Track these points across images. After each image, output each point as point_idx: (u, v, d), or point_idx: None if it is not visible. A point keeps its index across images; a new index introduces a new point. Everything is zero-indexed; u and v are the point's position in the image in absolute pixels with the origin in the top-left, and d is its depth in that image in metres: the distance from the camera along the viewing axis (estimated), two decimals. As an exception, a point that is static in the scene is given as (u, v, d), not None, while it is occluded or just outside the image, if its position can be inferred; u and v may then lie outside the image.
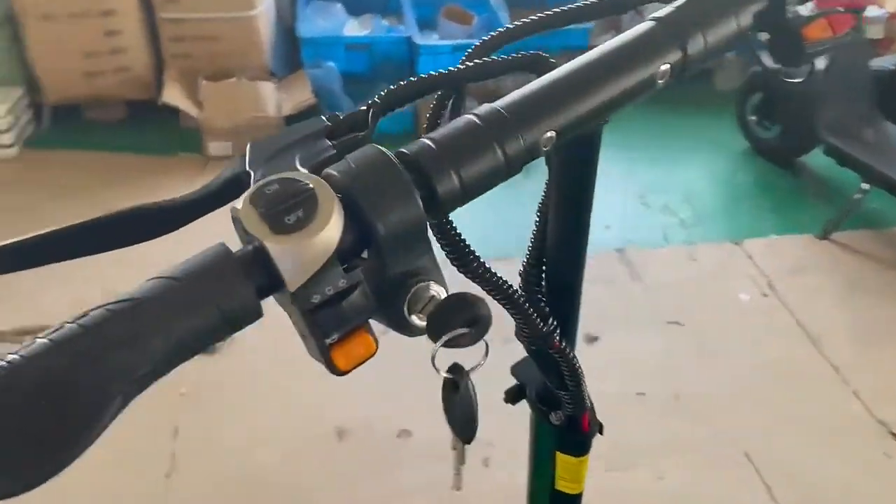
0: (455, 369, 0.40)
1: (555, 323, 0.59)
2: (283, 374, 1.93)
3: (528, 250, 0.58)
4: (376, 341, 0.38)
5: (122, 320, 0.32)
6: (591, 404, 0.67)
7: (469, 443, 0.38)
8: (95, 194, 2.61)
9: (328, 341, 0.37)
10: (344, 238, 0.36)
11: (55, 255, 0.40)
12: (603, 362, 2.01)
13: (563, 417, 0.66)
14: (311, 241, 0.34)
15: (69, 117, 2.96)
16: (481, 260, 0.53)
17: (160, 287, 0.34)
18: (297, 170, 0.40)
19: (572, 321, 0.62)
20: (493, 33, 0.51)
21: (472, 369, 0.40)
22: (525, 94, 0.43)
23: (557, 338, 0.59)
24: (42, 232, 0.39)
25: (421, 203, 0.37)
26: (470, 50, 0.50)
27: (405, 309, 0.38)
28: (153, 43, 2.93)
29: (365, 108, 0.46)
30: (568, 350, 0.60)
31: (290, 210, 0.34)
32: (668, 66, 0.46)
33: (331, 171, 0.38)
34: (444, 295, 0.38)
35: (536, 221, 0.58)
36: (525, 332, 0.58)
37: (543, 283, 0.60)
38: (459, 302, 0.37)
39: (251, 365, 1.99)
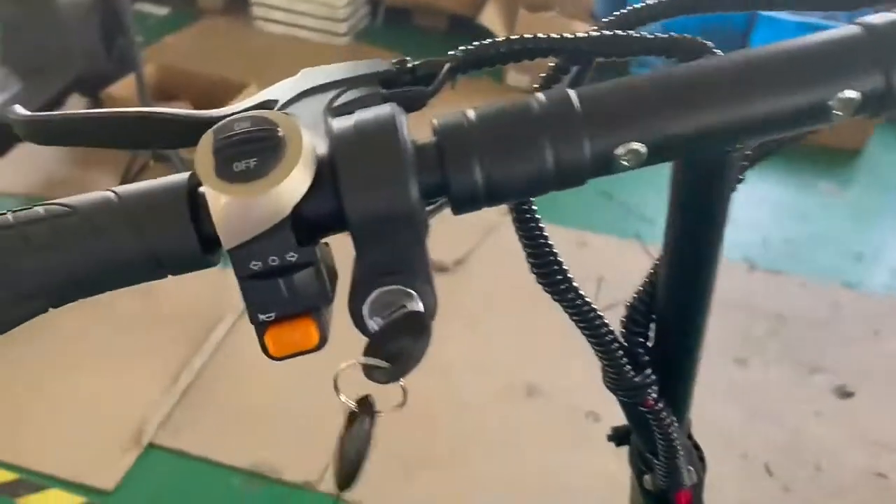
0: (363, 403, 0.33)
1: (652, 377, 0.48)
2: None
3: (645, 278, 0.48)
4: (322, 334, 0.32)
5: (48, 225, 0.31)
6: (699, 481, 0.55)
7: (343, 491, 0.31)
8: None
9: (262, 317, 0.31)
10: (307, 205, 0.30)
11: (96, 139, 0.40)
12: (862, 422, 1.72)
13: (655, 485, 0.56)
14: (255, 197, 0.29)
15: (399, 19, 3.15)
16: (567, 274, 0.45)
17: (99, 202, 0.31)
18: (314, 123, 0.35)
19: (682, 381, 0.50)
20: (642, 4, 0.40)
21: (379, 412, 0.33)
22: (617, 86, 0.33)
23: (653, 395, 0.49)
24: (91, 111, 0.39)
25: (415, 191, 0.30)
26: (607, 19, 0.40)
27: (364, 308, 0.32)
28: (489, -38, 2.97)
29: (444, 59, 0.39)
30: (665, 414, 0.49)
31: (243, 156, 0.29)
32: (856, 94, 0.32)
33: (335, 123, 0.32)
34: (418, 308, 0.31)
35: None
36: (611, 377, 0.49)
37: (651, 329, 0.49)
38: (410, 325, 0.30)
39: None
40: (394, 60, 0.39)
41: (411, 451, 1.65)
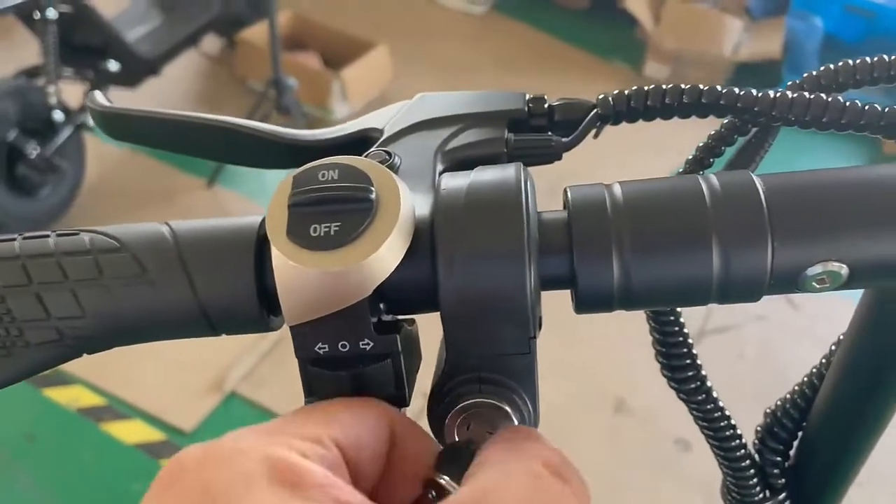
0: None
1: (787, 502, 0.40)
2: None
3: (792, 390, 0.39)
4: None
5: (90, 260, 0.25)
6: None
7: None
8: (519, 74, 2.68)
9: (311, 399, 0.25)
10: (395, 282, 0.24)
11: (175, 144, 0.35)
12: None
13: None
14: (332, 271, 0.23)
15: (541, -7, 3.03)
16: (701, 372, 0.37)
17: (151, 239, 0.26)
18: (419, 167, 0.28)
19: None
20: (852, 62, 0.30)
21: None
22: (818, 180, 0.25)
23: None
24: (176, 113, 0.34)
25: (534, 279, 0.24)
26: (807, 75, 0.31)
27: (446, 417, 0.25)
28: (644, -57, 2.80)
29: (589, 103, 0.31)
30: None
31: (324, 217, 0.23)
32: None
33: (445, 180, 0.25)
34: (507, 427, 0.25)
35: (823, 357, 0.38)
36: (733, 495, 0.41)
37: (794, 448, 0.40)
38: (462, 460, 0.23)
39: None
40: (529, 97, 0.32)
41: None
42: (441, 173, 0.27)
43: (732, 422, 0.37)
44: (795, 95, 0.29)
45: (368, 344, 0.24)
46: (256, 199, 2.17)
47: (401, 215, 0.23)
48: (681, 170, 0.35)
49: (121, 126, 0.34)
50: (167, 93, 2.45)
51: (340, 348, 0.24)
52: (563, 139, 0.31)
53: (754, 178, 0.25)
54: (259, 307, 0.25)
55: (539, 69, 2.72)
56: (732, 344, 1.79)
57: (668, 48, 2.61)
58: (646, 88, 0.30)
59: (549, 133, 0.31)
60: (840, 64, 0.30)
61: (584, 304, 0.25)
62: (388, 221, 0.23)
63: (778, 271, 0.24)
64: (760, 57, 2.57)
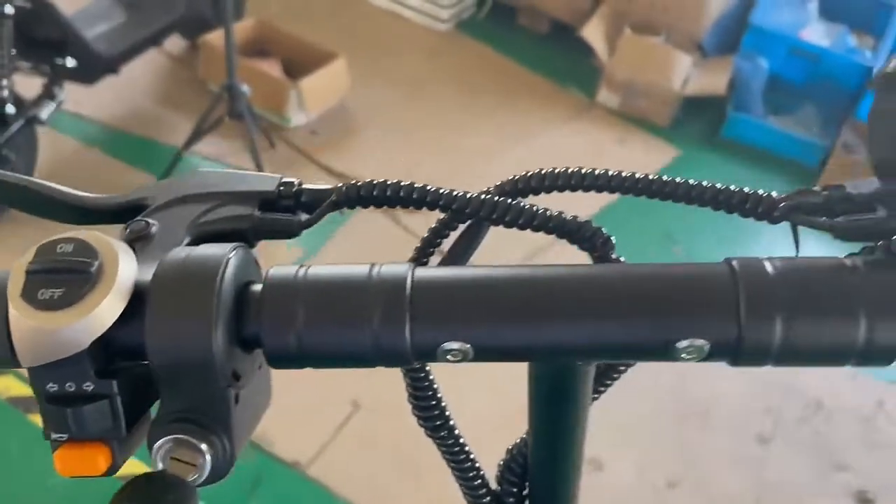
0: None
1: None
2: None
3: (518, 439, 0.45)
4: (114, 462, 0.31)
5: None
6: None
7: None
8: (477, 93, 2.75)
9: (55, 436, 0.31)
10: (111, 337, 0.29)
11: None
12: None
13: None
14: (52, 327, 0.28)
15: (504, 15, 3.10)
16: (446, 412, 0.42)
17: None
18: (171, 236, 0.34)
19: None
20: (549, 171, 0.37)
21: None
22: (458, 277, 0.31)
23: None
24: None
25: (221, 340, 0.29)
26: (510, 179, 0.37)
27: (157, 451, 0.30)
28: (604, -26, 2.89)
29: (329, 189, 0.37)
30: None
31: (51, 284, 0.29)
32: (704, 343, 0.29)
33: (171, 254, 0.31)
34: (201, 465, 0.30)
35: None
36: None
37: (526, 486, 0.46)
38: (159, 488, 0.28)
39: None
40: (282, 180, 0.38)
41: None
42: (188, 244, 0.33)
43: (473, 457, 0.43)
44: (485, 198, 0.35)
45: (90, 385, 0.30)
46: (206, 200, 2.21)
47: (116, 284, 0.29)
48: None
49: None
50: (128, 90, 2.48)
51: (68, 388, 0.30)
52: (302, 219, 0.36)
53: (409, 270, 0.30)
54: (9, 349, 0.30)
55: (496, 91, 2.80)
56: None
57: (620, 78, 2.69)
58: (376, 182, 0.36)
59: (297, 212, 0.37)
60: (532, 173, 0.37)
61: (275, 360, 0.31)
62: (104, 289, 0.29)
63: (415, 346, 0.30)
64: (708, 92, 2.67)
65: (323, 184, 0.37)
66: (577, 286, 0.30)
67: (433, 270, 0.31)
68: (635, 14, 2.82)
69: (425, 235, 0.40)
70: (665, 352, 0.29)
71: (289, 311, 0.30)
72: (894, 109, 0.29)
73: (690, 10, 2.74)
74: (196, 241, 0.35)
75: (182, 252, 0.31)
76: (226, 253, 0.30)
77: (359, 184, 0.36)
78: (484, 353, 0.30)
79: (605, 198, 2.41)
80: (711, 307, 0.29)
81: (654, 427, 1.81)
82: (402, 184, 0.36)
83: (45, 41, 2.03)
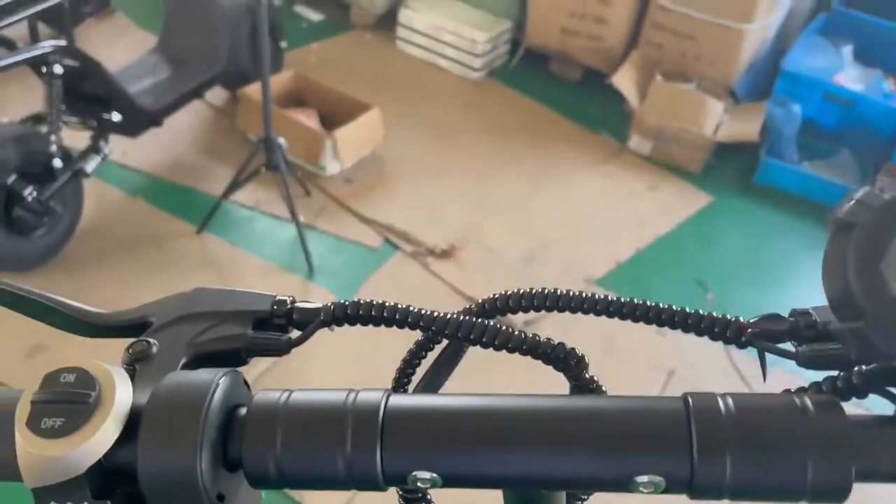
0: None
1: None
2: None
3: None
4: None
5: None
6: None
7: None
8: (508, 139, 2.79)
9: None
10: (108, 460, 0.32)
11: (8, 305, 0.43)
12: None
13: None
14: (54, 455, 0.31)
15: (536, 62, 3.15)
16: None
17: None
18: (170, 356, 0.36)
19: None
20: (526, 291, 0.39)
21: None
22: (426, 407, 0.33)
23: None
24: (12, 286, 0.43)
25: (207, 464, 0.31)
26: (495, 295, 0.39)
27: None
28: (635, 22, 2.93)
29: (319, 309, 0.39)
30: None
31: (53, 413, 0.31)
32: (658, 479, 0.30)
33: (166, 378, 0.33)
34: None
35: None
36: None
37: None
38: None
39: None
40: (276, 299, 0.40)
41: None
42: (185, 364, 0.36)
43: None
44: (462, 319, 0.37)
45: None
46: (243, 246, 2.27)
47: (112, 413, 0.32)
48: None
49: None
50: (171, 140, 2.58)
51: None
52: (293, 337, 0.39)
53: (382, 398, 0.32)
54: (16, 471, 0.33)
55: (527, 136, 2.83)
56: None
57: (651, 124, 2.71)
58: (362, 301, 0.38)
59: (290, 328, 0.39)
60: (501, 294, 0.39)
61: (253, 483, 0.33)
62: (101, 418, 0.31)
63: (387, 473, 0.32)
64: (740, 138, 2.67)
65: (314, 303, 0.40)
66: (541, 420, 0.32)
67: (406, 398, 0.33)
68: (667, 61, 2.84)
69: (404, 357, 0.42)
70: (625, 485, 0.31)
71: (268, 435, 0.32)
72: (842, 254, 0.30)
73: (722, 56, 2.76)
74: (193, 361, 0.37)
75: (175, 378, 0.33)
76: (214, 379, 0.33)
77: (345, 303, 0.39)
78: (453, 481, 0.32)
79: (638, 244, 2.42)
80: (667, 445, 0.30)
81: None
82: (384, 304, 0.38)
83: (91, 97, 2.13)
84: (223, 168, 2.46)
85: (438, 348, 0.42)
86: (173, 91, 2.34)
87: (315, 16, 3.44)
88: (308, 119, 2.58)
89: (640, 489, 0.31)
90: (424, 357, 0.42)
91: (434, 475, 0.32)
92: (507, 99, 3.04)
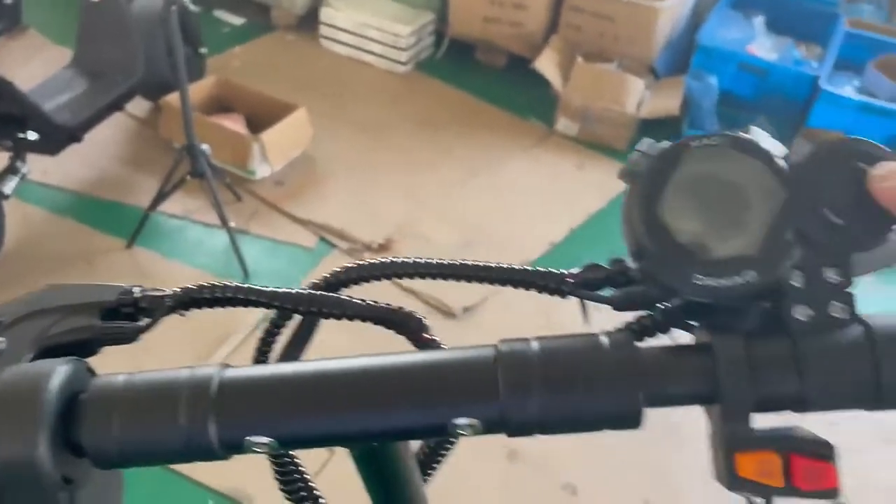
0: None
1: None
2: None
3: None
4: None
5: None
6: None
7: None
8: (439, 130, 2.81)
9: None
10: None
11: None
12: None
13: None
14: None
15: (461, 52, 3.17)
16: (316, 496, 0.44)
17: None
18: (17, 352, 0.37)
19: None
20: (366, 262, 0.40)
21: None
22: (256, 377, 0.34)
23: None
24: None
25: (45, 450, 0.32)
26: (338, 268, 0.41)
27: None
28: (553, 6, 2.97)
29: (165, 295, 0.40)
30: None
31: None
32: (474, 421, 0.33)
33: (7, 371, 0.34)
34: None
35: None
36: None
37: None
38: None
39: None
40: (122, 289, 0.41)
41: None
42: (33, 358, 0.37)
43: None
44: (307, 293, 0.38)
45: None
46: (175, 257, 2.24)
47: None
48: None
49: None
50: (94, 155, 2.53)
51: None
52: (141, 324, 0.40)
53: (214, 372, 0.34)
54: None
55: (457, 126, 2.86)
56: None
57: (576, 106, 2.76)
58: (206, 284, 0.39)
59: (139, 317, 0.40)
60: (345, 267, 0.41)
61: (98, 463, 0.34)
62: None
63: (222, 441, 0.33)
64: (662, 114, 2.73)
65: (162, 290, 0.41)
66: (364, 379, 0.34)
67: (240, 370, 0.35)
68: (587, 43, 2.89)
69: (260, 335, 0.43)
70: (446, 429, 0.33)
71: (107, 417, 0.33)
72: (633, 203, 0.33)
73: (639, 35, 2.82)
74: (41, 355, 0.38)
75: (14, 371, 0.34)
76: (53, 367, 0.34)
77: (192, 287, 0.40)
78: (288, 444, 0.34)
79: (571, 223, 2.47)
80: (478, 390, 0.33)
81: (626, 449, 1.83)
82: (229, 285, 0.39)
83: (5, 117, 2.07)
84: (150, 179, 2.43)
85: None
86: (91, 105, 2.30)
87: (236, 20, 3.41)
88: (234, 124, 2.55)
89: (460, 432, 0.33)
90: (279, 333, 0.43)
91: (270, 440, 0.33)
92: (435, 91, 3.05)
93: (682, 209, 0.32)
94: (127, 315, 0.40)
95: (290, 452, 0.43)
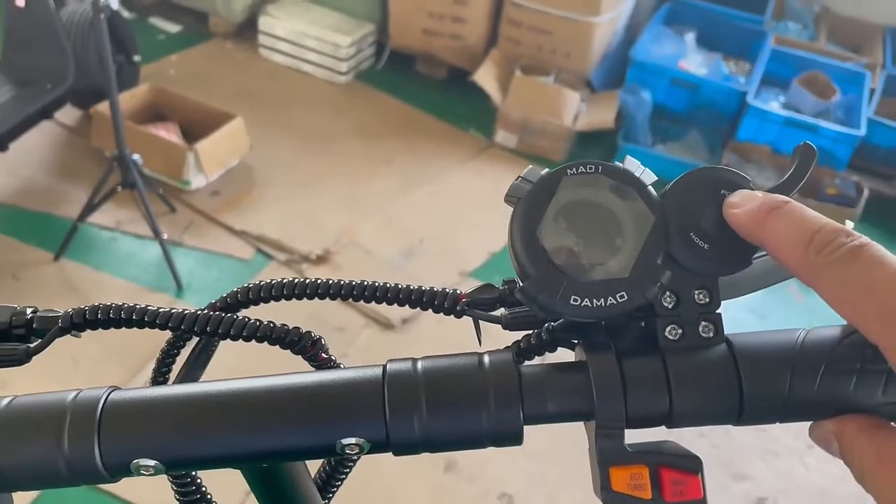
0: None
1: None
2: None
3: None
4: None
5: None
6: None
7: None
8: (379, 141, 2.81)
9: None
10: None
11: None
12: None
13: None
14: None
15: (402, 64, 3.18)
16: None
17: None
18: None
19: None
20: (257, 284, 0.40)
21: None
22: (146, 399, 0.34)
23: None
24: None
25: None
26: (236, 288, 0.41)
27: None
28: (493, 20, 3.01)
29: (57, 316, 0.39)
30: None
31: None
32: (360, 441, 0.33)
33: None
34: None
35: None
36: None
37: None
38: None
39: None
40: (14, 310, 0.40)
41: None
42: None
43: None
44: (202, 314, 0.38)
45: None
46: (106, 269, 2.19)
47: None
48: None
49: None
50: (21, 164, 2.45)
51: None
52: (31, 345, 0.39)
53: (101, 395, 0.33)
54: None
55: (397, 137, 2.86)
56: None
57: (514, 118, 2.79)
58: (100, 305, 0.38)
59: (31, 338, 0.39)
60: (240, 288, 0.40)
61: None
62: None
63: (108, 465, 0.33)
64: (598, 126, 2.79)
65: (55, 311, 0.40)
66: (251, 399, 0.33)
67: (128, 392, 0.34)
68: (525, 56, 2.93)
69: (157, 356, 0.43)
70: (333, 450, 0.33)
71: (63, 428, 0.32)
72: (515, 226, 0.33)
73: (576, 49, 2.87)
74: None
75: None
76: None
77: (85, 308, 0.39)
78: (174, 466, 0.33)
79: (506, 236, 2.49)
80: (364, 410, 0.33)
81: (564, 458, 1.85)
82: (123, 306, 0.38)
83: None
84: (79, 190, 2.36)
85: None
86: (17, 114, 2.23)
87: (172, 27, 3.35)
88: (168, 133, 2.51)
89: (347, 451, 0.33)
90: (177, 354, 0.43)
91: (156, 462, 0.33)
92: (375, 101, 3.05)
93: (560, 233, 0.33)
94: (19, 337, 0.39)
95: (193, 474, 0.43)
